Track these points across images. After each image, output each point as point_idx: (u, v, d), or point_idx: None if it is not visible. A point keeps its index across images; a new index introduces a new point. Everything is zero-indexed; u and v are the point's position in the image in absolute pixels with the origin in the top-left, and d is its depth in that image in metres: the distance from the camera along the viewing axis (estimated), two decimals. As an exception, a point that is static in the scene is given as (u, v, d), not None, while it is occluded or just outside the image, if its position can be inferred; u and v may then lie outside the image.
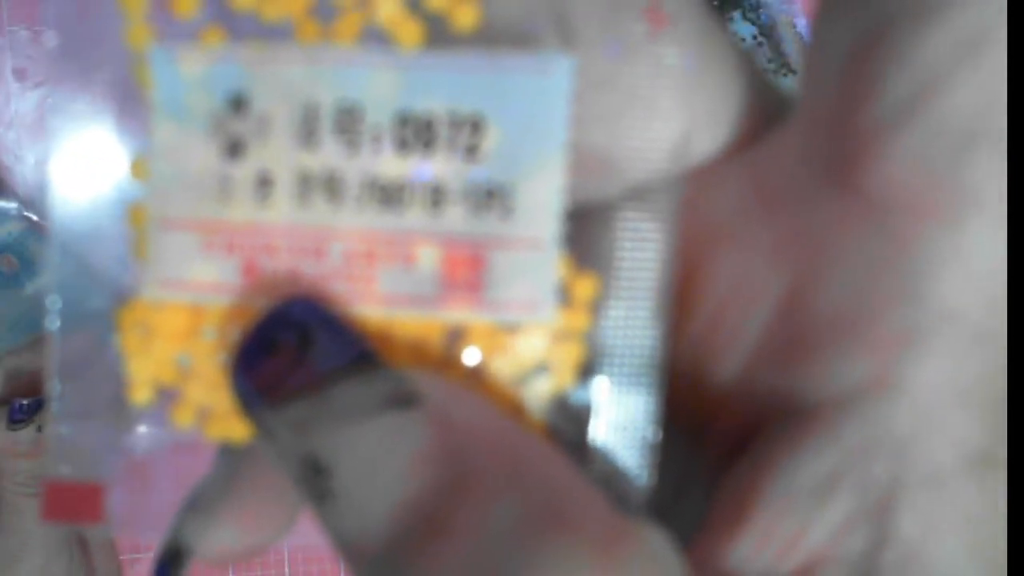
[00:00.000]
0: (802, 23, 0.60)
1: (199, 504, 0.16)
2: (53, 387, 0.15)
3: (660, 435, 0.14)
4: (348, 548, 0.13)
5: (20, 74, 0.60)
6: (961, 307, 0.13)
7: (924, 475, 0.13)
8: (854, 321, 0.13)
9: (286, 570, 0.62)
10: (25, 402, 0.47)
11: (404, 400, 0.13)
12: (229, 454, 0.16)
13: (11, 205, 0.61)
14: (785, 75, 0.60)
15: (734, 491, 0.14)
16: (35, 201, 0.61)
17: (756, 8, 0.61)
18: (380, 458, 0.13)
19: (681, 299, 0.15)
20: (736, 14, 0.61)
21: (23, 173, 0.61)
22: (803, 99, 0.14)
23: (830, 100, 0.14)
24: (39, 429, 0.47)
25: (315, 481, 0.13)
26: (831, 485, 0.13)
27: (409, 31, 0.14)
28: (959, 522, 0.13)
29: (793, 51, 0.60)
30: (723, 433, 0.15)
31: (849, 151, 0.13)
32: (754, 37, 0.61)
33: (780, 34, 0.61)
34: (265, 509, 0.16)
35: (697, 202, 0.15)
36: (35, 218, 0.61)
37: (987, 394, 0.13)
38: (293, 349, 0.13)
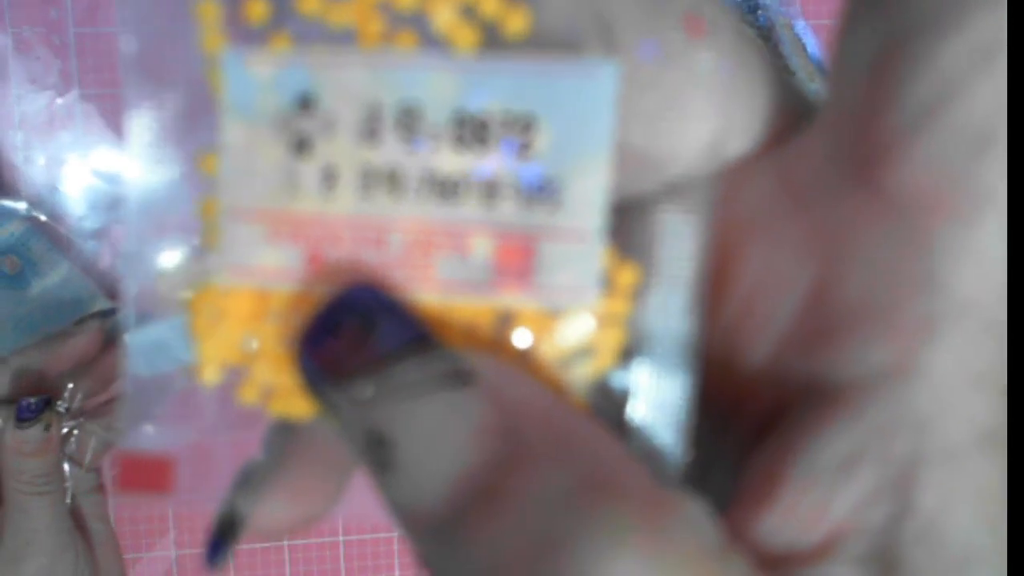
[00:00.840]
0: (800, 25, 0.61)
1: (251, 478, 0.17)
2: (126, 368, 0.16)
3: (694, 415, 0.15)
4: (409, 516, 0.14)
5: (29, 75, 0.61)
6: (975, 297, 0.14)
7: (941, 452, 0.14)
8: (876, 310, 0.14)
9: (286, 570, 0.62)
10: (32, 401, 0.47)
11: (460, 378, 0.14)
12: (280, 431, 0.17)
13: (18, 206, 0.61)
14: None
15: (762, 468, 0.15)
16: (43, 201, 0.62)
17: (754, 10, 0.62)
18: (439, 432, 0.14)
19: (714, 288, 0.16)
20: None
21: (32, 174, 0.61)
22: (828, 103, 0.15)
23: (854, 105, 0.15)
24: (47, 428, 0.47)
25: (378, 453, 0.14)
26: (854, 462, 0.14)
27: (465, 36, 0.15)
28: (974, 496, 0.14)
29: (792, 53, 0.60)
30: (752, 414, 0.16)
31: (872, 153, 0.14)
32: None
33: (778, 36, 0.61)
34: (313, 483, 0.17)
35: (730, 198, 0.16)
36: (43, 218, 0.61)
37: (998, 378, 0.14)
38: (356, 331, 0.14)
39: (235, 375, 0.15)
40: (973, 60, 0.13)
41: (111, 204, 0.61)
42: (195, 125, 0.15)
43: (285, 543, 0.62)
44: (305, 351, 0.15)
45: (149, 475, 0.16)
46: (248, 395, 0.15)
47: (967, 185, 0.14)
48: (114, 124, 0.60)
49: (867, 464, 0.14)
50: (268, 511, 0.17)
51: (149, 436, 0.16)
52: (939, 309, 0.14)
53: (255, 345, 0.15)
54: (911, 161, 0.14)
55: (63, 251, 0.61)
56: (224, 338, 0.15)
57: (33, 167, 0.61)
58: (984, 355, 0.14)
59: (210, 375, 0.15)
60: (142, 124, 0.15)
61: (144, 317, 0.16)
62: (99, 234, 0.61)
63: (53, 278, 0.61)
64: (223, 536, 0.17)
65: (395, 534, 0.58)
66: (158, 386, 0.16)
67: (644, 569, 0.12)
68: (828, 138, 0.15)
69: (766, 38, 0.61)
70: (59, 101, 0.62)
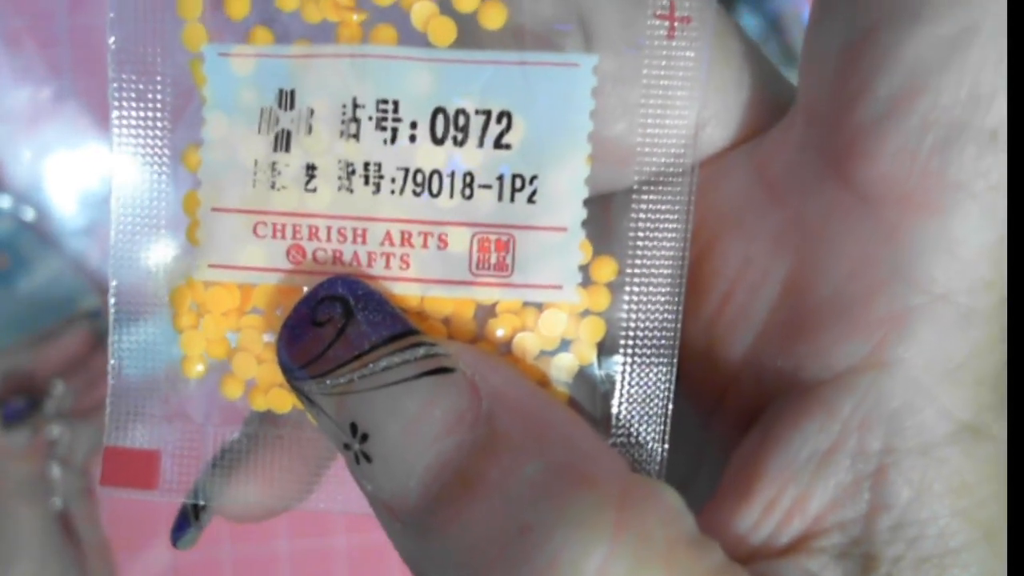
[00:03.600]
0: (807, 16, 0.61)
1: (222, 463, 0.17)
2: (113, 364, 0.16)
3: (674, 410, 0.16)
4: (387, 506, 0.14)
5: (13, 67, 0.60)
6: (949, 290, 0.14)
7: (916, 445, 0.14)
8: (850, 304, 0.14)
9: (285, 571, 0.62)
10: (20, 403, 0.47)
11: (438, 369, 0.14)
12: (260, 416, 0.17)
13: (3, 202, 0.61)
14: (791, 67, 0.60)
15: (741, 463, 0.15)
16: (30, 197, 0.61)
17: (761, 1, 0.62)
18: (416, 422, 0.14)
19: (693, 282, 0.16)
20: (742, 6, 0.62)
21: (18, 169, 0.61)
22: (801, 94, 0.15)
23: (825, 97, 0.15)
24: (34, 432, 0.46)
25: (356, 445, 0.14)
26: (830, 457, 0.14)
27: (443, 31, 0.15)
28: (949, 488, 0.14)
29: (798, 44, 0.60)
30: (734, 409, 0.16)
31: (843, 146, 0.14)
32: (760, 30, 0.61)
33: (786, 26, 0.61)
34: (285, 472, 0.17)
35: (707, 190, 0.16)
36: (29, 216, 0.61)
37: (973, 369, 0.14)
38: (336, 324, 0.15)
39: (219, 369, 0.16)
40: (939, 52, 0.13)
41: (100, 200, 0.61)
42: (178, 121, 0.15)
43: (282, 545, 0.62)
44: (285, 344, 0.15)
45: (134, 470, 0.16)
46: (232, 390, 0.16)
47: (937, 177, 0.14)
48: (104, 118, 0.60)
49: (843, 459, 0.14)
50: (239, 496, 0.17)
51: (135, 432, 0.16)
52: (912, 302, 0.14)
53: (238, 339, 0.15)
54: (881, 154, 0.14)
55: (52, 248, 0.61)
56: (207, 333, 0.15)
57: (19, 162, 0.61)
58: (960, 347, 0.14)
59: (194, 369, 0.16)
60: (127, 120, 0.15)
61: (131, 316, 0.16)
62: (88, 231, 0.61)
63: (42, 276, 0.60)
64: (187, 520, 0.17)
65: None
66: (145, 386, 0.16)
67: (618, 556, 0.13)
68: (802, 130, 0.15)
69: (773, 29, 0.61)
70: (46, 94, 0.61)
